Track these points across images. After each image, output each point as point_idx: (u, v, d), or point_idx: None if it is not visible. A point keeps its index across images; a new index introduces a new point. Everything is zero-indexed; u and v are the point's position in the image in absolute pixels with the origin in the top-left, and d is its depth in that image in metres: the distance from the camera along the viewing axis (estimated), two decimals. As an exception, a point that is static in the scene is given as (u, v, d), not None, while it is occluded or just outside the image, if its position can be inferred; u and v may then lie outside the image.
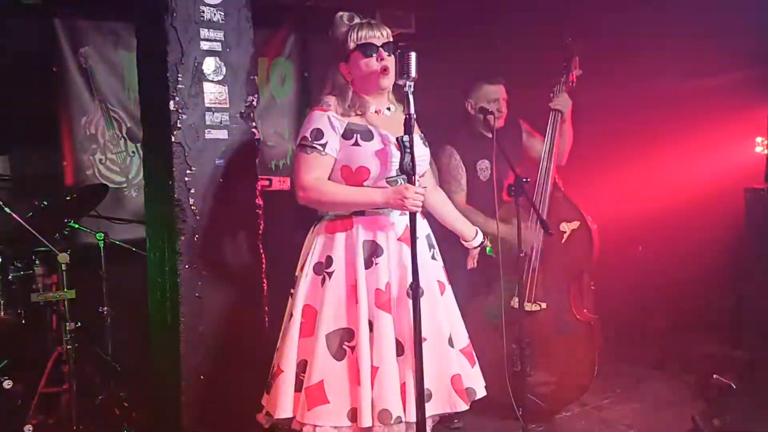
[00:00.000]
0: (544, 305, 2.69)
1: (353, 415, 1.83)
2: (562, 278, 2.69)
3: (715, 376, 2.83)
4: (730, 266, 3.22)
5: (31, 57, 3.30)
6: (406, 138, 1.82)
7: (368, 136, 1.91)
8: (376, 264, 1.90)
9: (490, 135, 2.69)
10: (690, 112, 3.20)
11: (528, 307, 2.66)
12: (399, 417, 1.83)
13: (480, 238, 2.20)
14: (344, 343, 1.87)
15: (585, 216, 2.67)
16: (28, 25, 3.27)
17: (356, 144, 1.90)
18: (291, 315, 1.94)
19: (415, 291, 1.81)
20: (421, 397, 1.80)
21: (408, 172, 1.83)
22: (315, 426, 1.83)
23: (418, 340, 1.80)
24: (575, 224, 2.66)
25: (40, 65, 3.31)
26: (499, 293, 2.51)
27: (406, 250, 1.91)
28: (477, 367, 2.04)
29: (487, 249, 2.30)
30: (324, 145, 1.90)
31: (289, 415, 1.87)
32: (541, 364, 2.65)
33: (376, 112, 1.97)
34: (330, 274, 1.91)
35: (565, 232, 2.66)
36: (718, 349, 3.21)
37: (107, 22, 3.38)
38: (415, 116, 1.83)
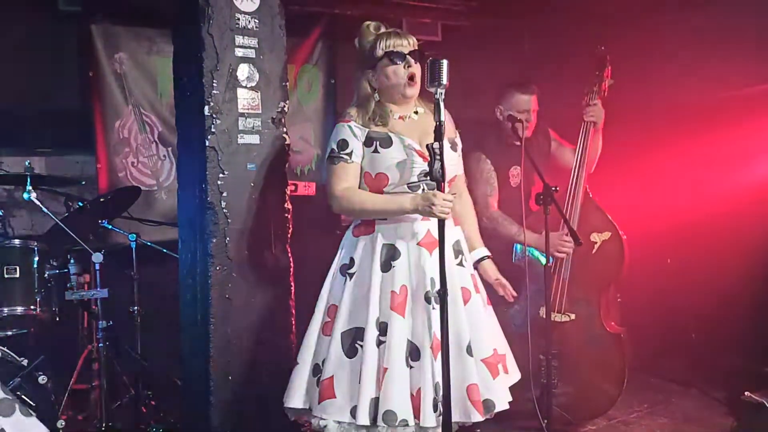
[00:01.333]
0: (572, 316, 2.66)
1: (356, 411, 1.87)
2: (592, 289, 2.66)
3: (746, 393, 2.76)
4: (762, 280, 3.15)
5: (69, 62, 3.41)
6: (436, 145, 1.83)
7: (387, 143, 1.95)
8: (393, 267, 1.94)
9: (518, 143, 2.69)
10: (723, 122, 3.14)
11: (557, 318, 2.64)
12: (405, 420, 1.85)
13: (478, 254, 2.15)
14: (357, 341, 1.92)
15: (616, 226, 2.64)
16: (66, 31, 3.38)
17: (376, 151, 1.96)
18: (314, 312, 2.01)
19: (442, 297, 1.81)
20: (448, 404, 1.80)
21: (438, 179, 1.85)
22: (321, 418, 1.90)
23: (445, 347, 1.80)
24: (606, 235, 2.63)
25: (77, 70, 3.41)
26: (526, 302, 2.49)
27: (426, 254, 1.94)
28: (501, 379, 2.00)
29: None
30: (350, 154, 1.96)
31: (297, 405, 1.96)
32: (569, 376, 2.62)
33: (400, 118, 2.00)
34: (351, 275, 1.98)
35: (596, 243, 2.64)
36: (749, 366, 3.13)
37: (142, 29, 3.47)
38: (445, 123, 1.85)
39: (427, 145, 1.84)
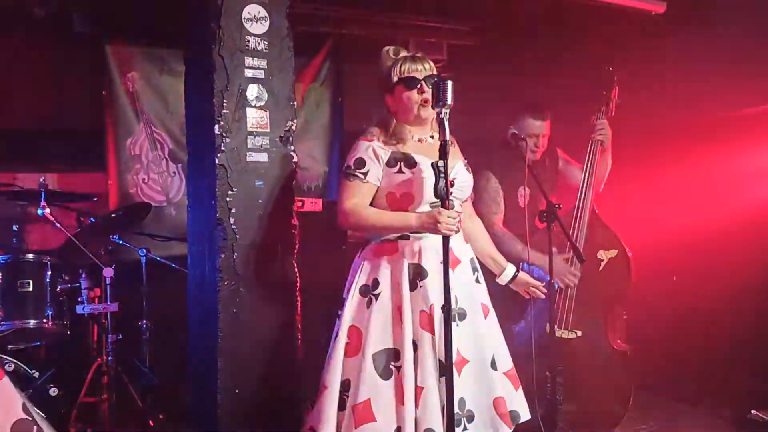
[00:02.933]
0: (579, 333, 2.67)
1: None
2: (598, 306, 2.66)
3: (753, 411, 2.75)
4: (769, 298, 3.14)
5: (83, 81, 3.50)
6: (440, 163, 1.87)
7: (411, 164, 1.98)
8: (421, 286, 1.96)
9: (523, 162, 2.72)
10: (729, 142, 3.16)
11: (563, 334, 2.64)
12: None
13: (508, 274, 2.18)
14: (391, 363, 1.92)
15: (623, 244, 2.65)
16: (81, 52, 3.48)
17: (400, 171, 1.98)
18: (337, 335, 2.00)
19: (447, 313, 1.83)
20: (451, 419, 1.82)
21: (442, 196, 1.88)
22: None
23: (449, 361, 1.82)
24: (613, 252, 2.64)
25: (90, 88, 3.50)
26: (531, 319, 2.51)
27: (450, 273, 1.95)
28: (521, 390, 2.07)
29: None
30: (365, 174, 1.99)
31: (333, 431, 1.91)
32: (574, 392, 2.61)
33: (419, 141, 2.04)
34: (376, 296, 1.98)
35: (602, 260, 2.64)
36: (756, 384, 3.10)
37: (154, 49, 3.56)
38: (451, 142, 1.89)
39: (432, 164, 1.88)
